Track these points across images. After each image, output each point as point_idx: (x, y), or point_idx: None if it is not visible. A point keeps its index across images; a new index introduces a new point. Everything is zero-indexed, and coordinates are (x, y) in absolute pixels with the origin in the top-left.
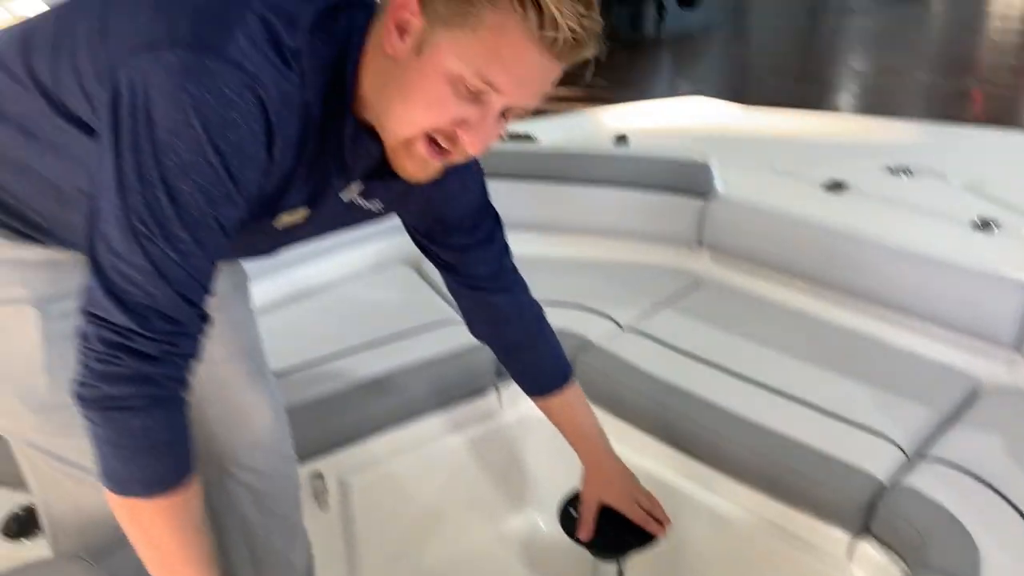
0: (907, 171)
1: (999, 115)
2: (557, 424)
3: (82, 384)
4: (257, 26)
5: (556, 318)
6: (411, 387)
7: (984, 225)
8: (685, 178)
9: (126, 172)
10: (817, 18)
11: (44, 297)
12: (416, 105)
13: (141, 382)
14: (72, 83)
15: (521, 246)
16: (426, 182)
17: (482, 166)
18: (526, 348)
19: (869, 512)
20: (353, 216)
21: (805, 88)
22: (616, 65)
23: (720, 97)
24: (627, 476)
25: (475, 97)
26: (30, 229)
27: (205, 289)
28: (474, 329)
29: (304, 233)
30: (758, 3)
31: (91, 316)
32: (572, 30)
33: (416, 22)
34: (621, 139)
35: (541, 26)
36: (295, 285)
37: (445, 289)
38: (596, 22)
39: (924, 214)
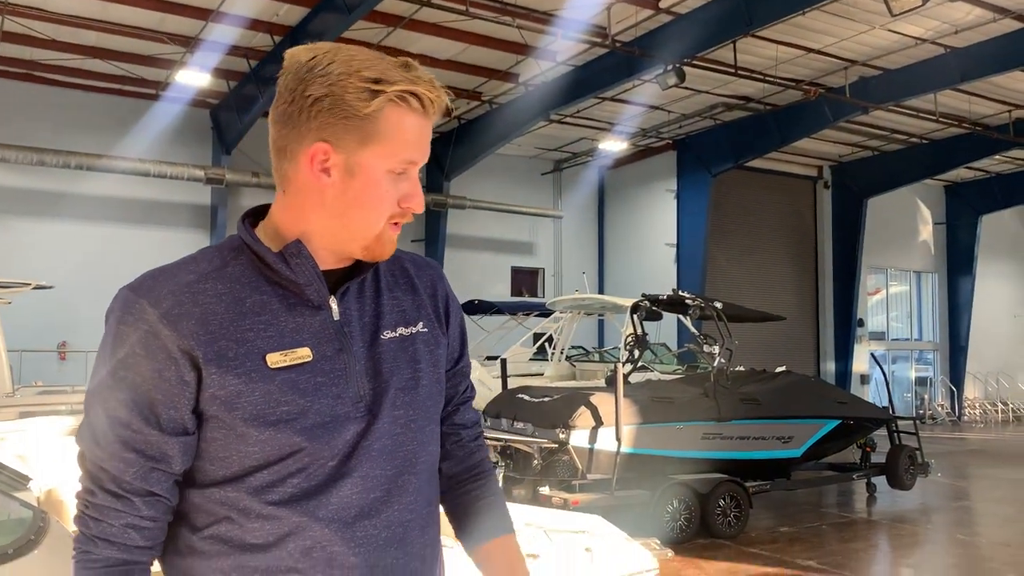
0: None
1: None
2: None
3: None
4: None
5: None
6: None
7: None
8: None
9: None
10: None
11: None
12: (372, 208)
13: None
14: None
15: None
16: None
17: None
18: (474, 486)
19: None
20: (396, 351)
21: None
22: (828, 547)
23: None
24: None
25: (402, 175)
26: None
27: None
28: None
29: (366, 372)
30: (978, 488)
31: None
32: (434, 91)
33: (336, 158)
34: None
35: (420, 104)
36: None
37: None
38: (431, 79)
39: None
